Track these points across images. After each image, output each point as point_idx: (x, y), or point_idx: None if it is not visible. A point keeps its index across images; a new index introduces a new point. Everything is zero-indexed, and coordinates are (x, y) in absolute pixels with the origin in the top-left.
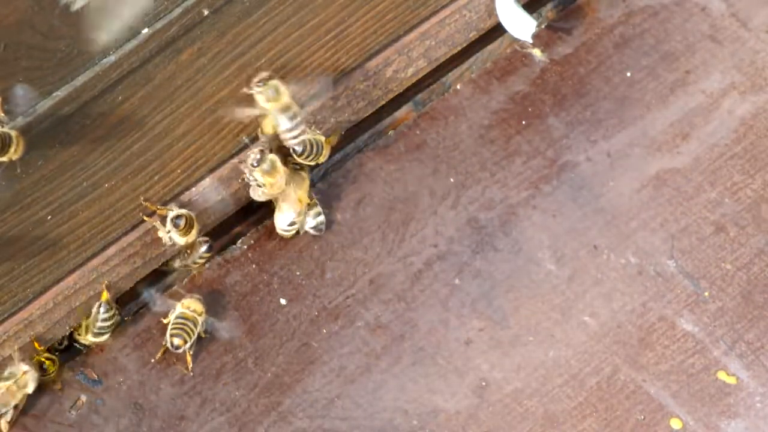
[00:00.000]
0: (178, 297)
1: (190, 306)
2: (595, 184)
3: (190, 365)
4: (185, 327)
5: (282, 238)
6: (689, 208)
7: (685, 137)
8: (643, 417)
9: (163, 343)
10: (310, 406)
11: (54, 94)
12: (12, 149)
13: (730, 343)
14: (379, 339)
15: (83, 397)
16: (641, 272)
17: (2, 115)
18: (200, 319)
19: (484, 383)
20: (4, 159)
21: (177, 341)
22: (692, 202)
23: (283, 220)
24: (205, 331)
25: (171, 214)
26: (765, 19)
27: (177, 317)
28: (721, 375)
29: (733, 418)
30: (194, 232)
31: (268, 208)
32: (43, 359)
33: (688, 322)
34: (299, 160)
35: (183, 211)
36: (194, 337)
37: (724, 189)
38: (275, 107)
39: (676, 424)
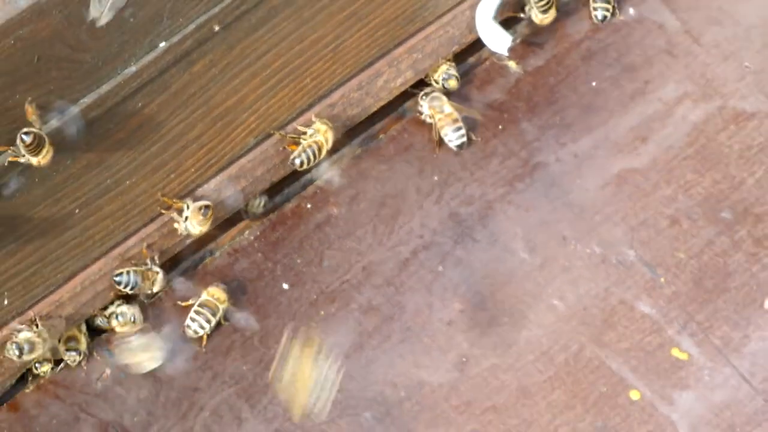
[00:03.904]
0: (202, 284)
1: (214, 294)
2: (563, 182)
3: (205, 343)
4: (204, 315)
5: (287, 224)
6: (647, 203)
7: (643, 140)
8: (605, 389)
9: (183, 325)
10: None
11: (81, 101)
12: (44, 152)
13: (683, 323)
14: (371, 320)
15: (108, 371)
16: (604, 261)
17: (35, 118)
18: (221, 307)
19: (464, 359)
20: (35, 161)
21: (194, 326)
22: (650, 198)
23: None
24: (225, 319)
25: (197, 203)
26: (714, 36)
27: (199, 303)
28: (675, 352)
29: (684, 389)
30: (210, 223)
31: (271, 203)
32: None
33: (646, 305)
34: None
35: (207, 201)
36: (213, 324)
37: (678, 186)
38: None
39: (634, 395)
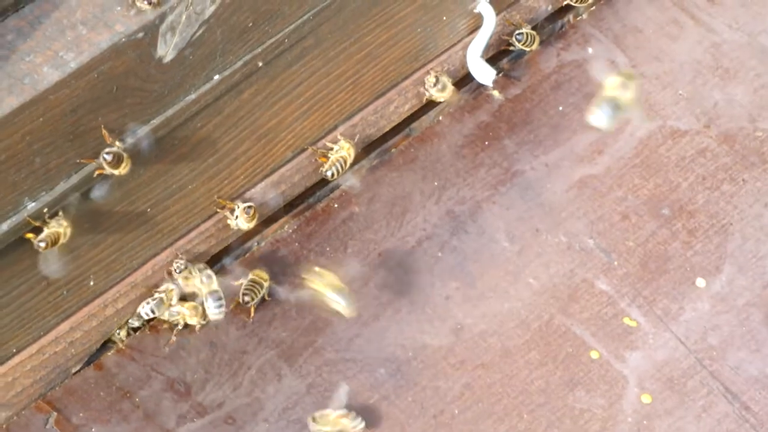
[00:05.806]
0: (250, 267)
1: (258, 274)
2: (537, 186)
3: (252, 315)
4: (254, 288)
5: (318, 220)
6: (603, 202)
7: (600, 152)
8: (571, 350)
9: (235, 299)
10: (337, 343)
11: (151, 122)
12: (123, 165)
13: (632, 297)
14: (385, 295)
15: (174, 338)
16: (569, 248)
17: (111, 140)
18: (265, 284)
19: (459, 326)
20: (116, 172)
21: (247, 298)
22: (605, 198)
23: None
24: (268, 295)
25: (244, 204)
26: (655, 70)
27: (249, 281)
28: (626, 320)
29: (633, 350)
30: (255, 220)
31: (306, 203)
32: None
33: (603, 283)
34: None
35: (251, 203)
36: (259, 297)
37: (627, 189)
38: None
39: (594, 354)
